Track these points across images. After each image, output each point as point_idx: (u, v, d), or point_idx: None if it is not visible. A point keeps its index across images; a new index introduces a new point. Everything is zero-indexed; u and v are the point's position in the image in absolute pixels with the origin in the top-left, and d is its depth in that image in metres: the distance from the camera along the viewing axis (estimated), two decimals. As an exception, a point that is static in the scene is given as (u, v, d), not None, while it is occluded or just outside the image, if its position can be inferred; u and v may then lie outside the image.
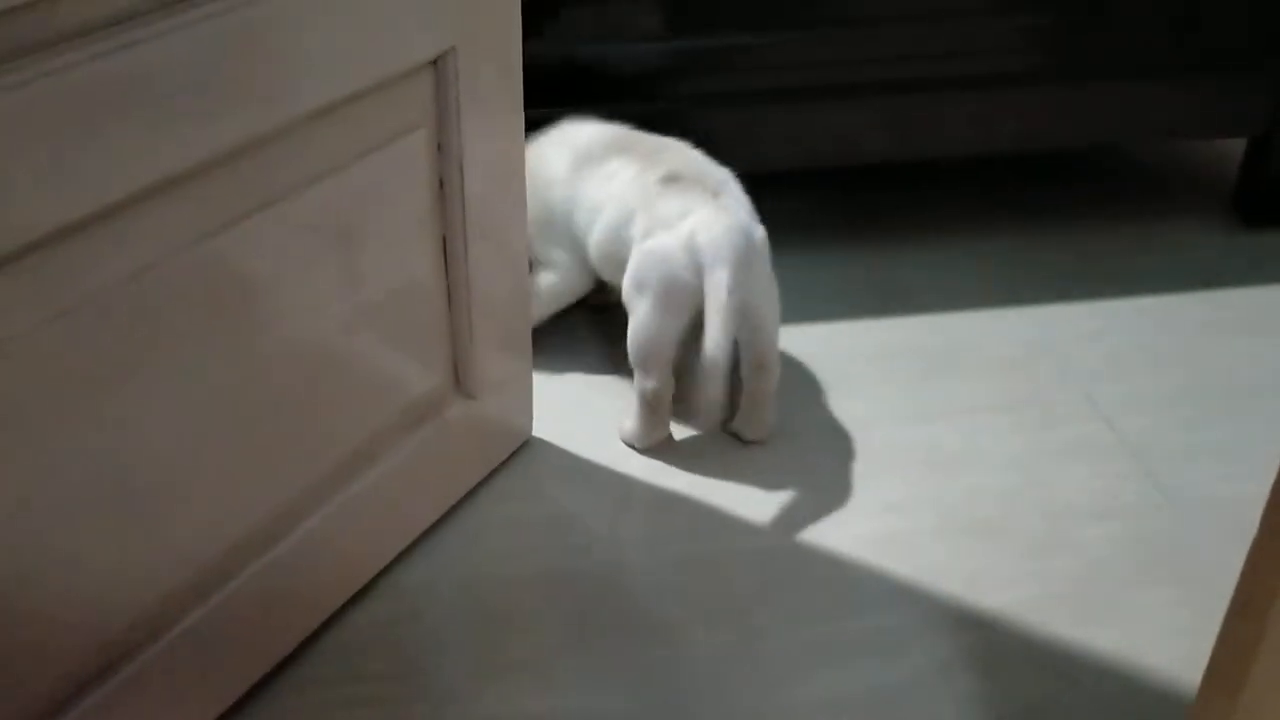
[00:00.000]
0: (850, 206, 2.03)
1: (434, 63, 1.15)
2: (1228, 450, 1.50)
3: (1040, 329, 1.74)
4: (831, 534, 1.38)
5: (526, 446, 1.52)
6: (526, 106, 1.28)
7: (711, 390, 1.35)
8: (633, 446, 1.51)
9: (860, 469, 1.48)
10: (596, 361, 1.66)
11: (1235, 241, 1.95)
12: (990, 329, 1.74)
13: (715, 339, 1.33)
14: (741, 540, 1.38)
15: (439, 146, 1.20)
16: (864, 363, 1.67)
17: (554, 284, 1.59)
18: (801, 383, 1.63)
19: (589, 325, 1.71)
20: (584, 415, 1.56)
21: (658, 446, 1.50)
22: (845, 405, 1.59)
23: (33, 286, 0.83)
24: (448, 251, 1.27)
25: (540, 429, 1.53)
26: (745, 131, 1.77)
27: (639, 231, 1.44)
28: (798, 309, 1.76)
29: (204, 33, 0.90)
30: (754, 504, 1.43)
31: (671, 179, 1.45)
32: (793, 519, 1.40)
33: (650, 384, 1.46)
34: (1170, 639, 1.23)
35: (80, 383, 0.89)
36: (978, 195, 2.07)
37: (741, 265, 1.36)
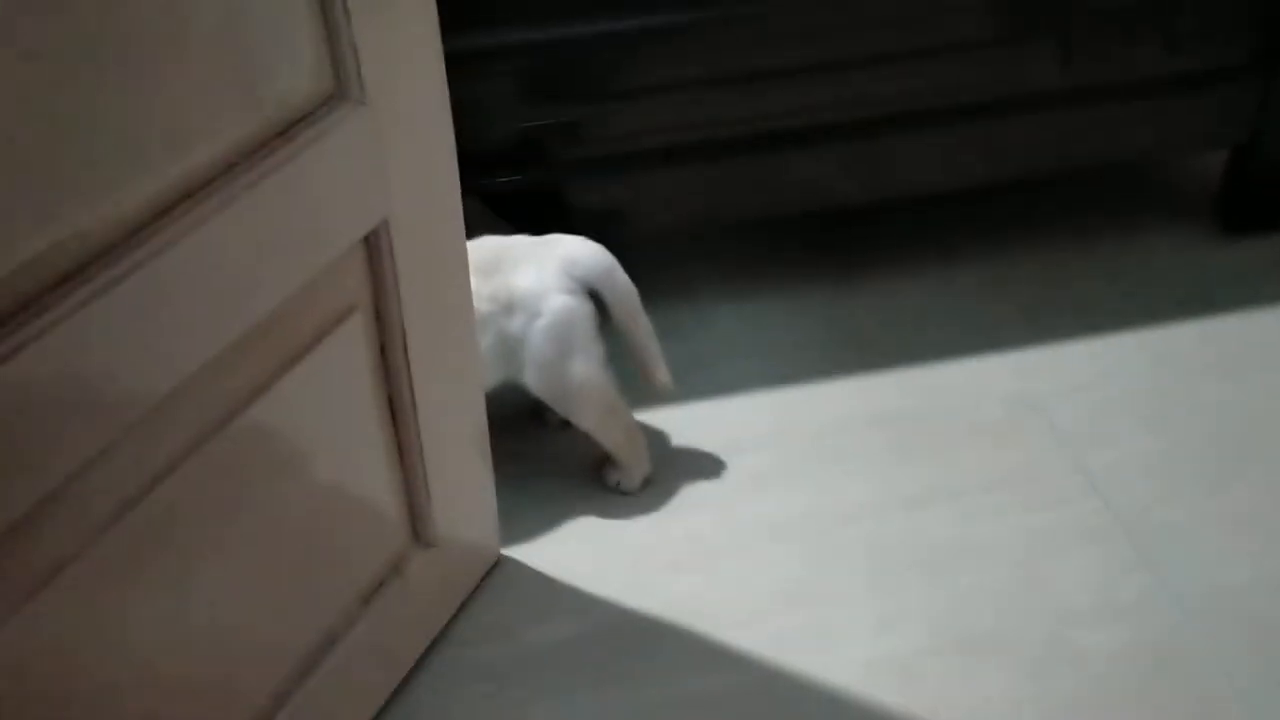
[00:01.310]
0: (799, 243, 1.94)
1: (365, 239, 1.05)
2: (1230, 522, 1.47)
3: (1022, 380, 1.69)
4: (821, 661, 1.34)
5: (497, 567, 1.47)
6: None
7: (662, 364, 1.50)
8: (633, 489, 1.54)
9: (845, 576, 1.43)
10: (559, 468, 1.60)
11: (1217, 253, 1.91)
12: (969, 384, 1.69)
13: (645, 323, 1.48)
14: (728, 674, 1.33)
15: (377, 315, 1.11)
16: (834, 435, 1.61)
17: None
18: (770, 466, 1.58)
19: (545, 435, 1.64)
20: (551, 521, 1.52)
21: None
22: (822, 492, 1.54)
23: None
24: (395, 411, 1.20)
25: (508, 544, 1.48)
26: (702, 183, 1.69)
27: (519, 322, 1.43)
28: (753, 370, 1.70)
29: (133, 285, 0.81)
30: (737, 628, 1.38)
31: (492, 267, 1.43)
32: (781, 644, 1.36)
33: (625, 417, 1.50)
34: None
35: None
36: (939, 223, 1.99)
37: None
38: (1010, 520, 1.49)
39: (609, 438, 1.51)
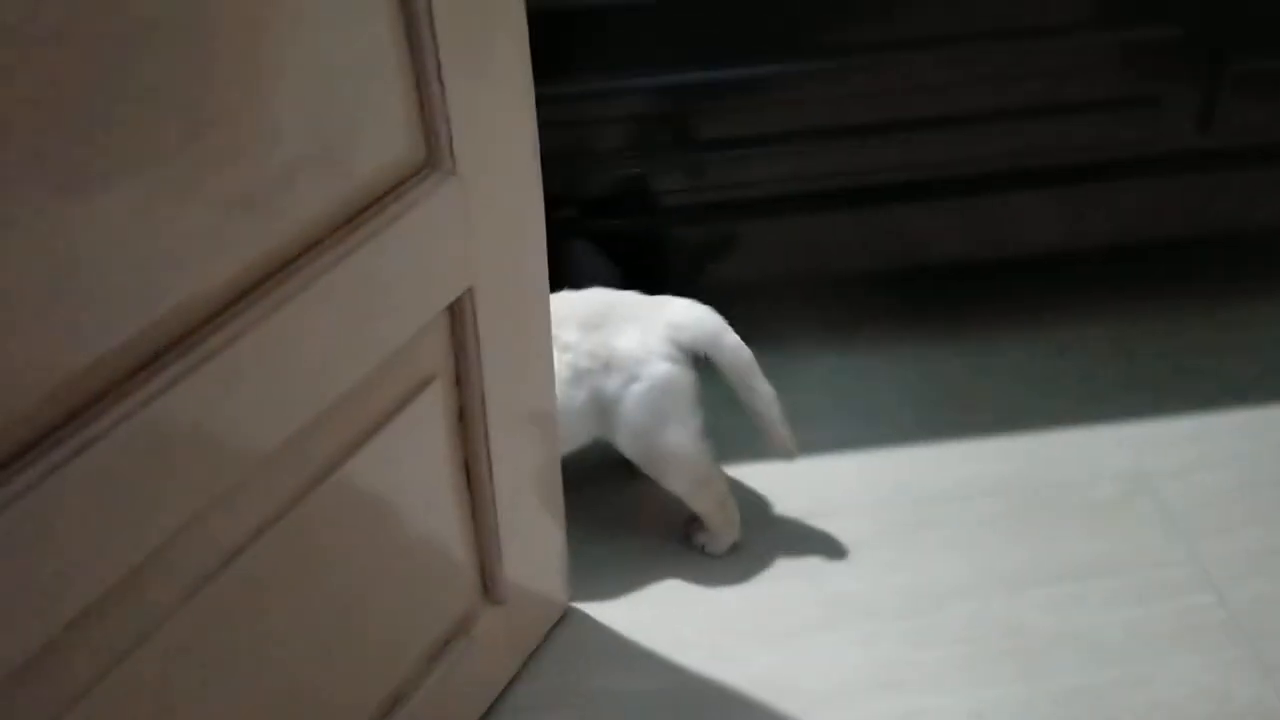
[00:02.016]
0: (901, 297, 1.88)
1: (449, 308, 1.04)
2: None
3: (1133, 455, 1.63)
4: (911, 755, 1.30)
5: (564, 620, 1.46)
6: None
7: (783, 428, 1.45)
8: (719, 553, 1.52)
9: (938, 662, 1.39)
10: (642, 523, 1.58)
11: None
12: (1076, 455, 1.63)
13: (764, 388, 1.43)
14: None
15: (457, 380, 1.11)
16: (932, 505, 1.57)
17: None
18: (864, 534, 1.54)
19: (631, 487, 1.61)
20: (629, 577, 1.50)
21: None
22: (918, 567, 1.49)
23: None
24: (471, 473, 1.19)
25: (583, 598, 1.47)
26: (807, 234, 1.67)
27: (616, 383, 1.38)
28: (849, 430, 1.66)
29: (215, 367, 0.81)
30: (821, 709, 1.35)
31: (596, 323, 1.40)
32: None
33: (718, 487, 1.48)
34: None
35: None
36: (1054, 280, 1.91)
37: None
38: (1115, 611, 1.44)
39: (699, 505, 1.48)
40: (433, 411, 1.08)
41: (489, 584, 1.29)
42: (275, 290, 0.85)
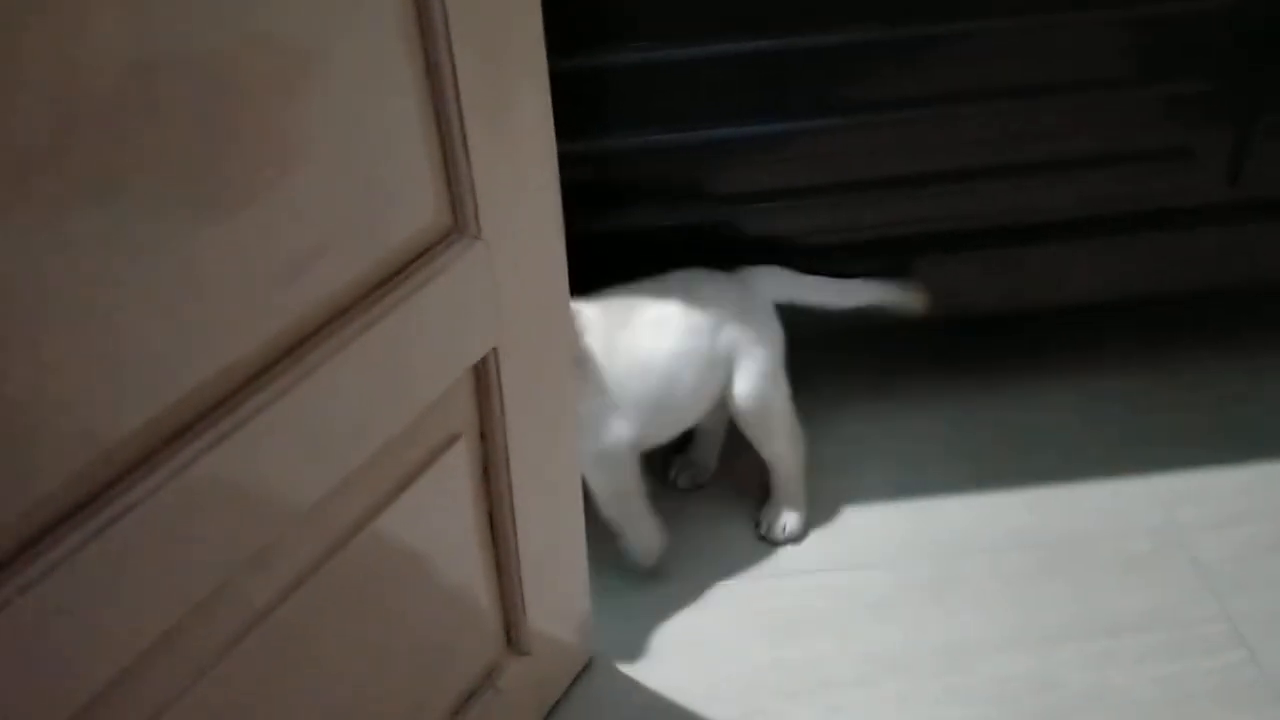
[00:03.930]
0: (931, 345, 1.94)
1: (474, 367, 1.12)
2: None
3: (1166, 511, 1.67)
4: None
5: (588, 670, 1.52)
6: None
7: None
8: (797, 533, 1.67)
9: (972, 718, 1.44)
10: (674, 573, 1.64)
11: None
12: (1109, 507, 1.68)
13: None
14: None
15: (481, 436, 1.18)
16: (960, 557, 1.62)
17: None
18: (895, 588, 1.59)
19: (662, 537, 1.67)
20: (657, 630, 1.56)
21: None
22: (949, 623, 1.55)
23: None
24: (495, 526, 1.26)
25: (609, 649, 1.53)
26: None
27: (728, 337, 1.57)
28: (879, 480, 1.72)
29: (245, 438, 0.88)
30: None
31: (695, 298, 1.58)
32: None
33: (802, 445, 1.67)
34: None
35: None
36: (1085, 329, 1.97)
37: None
38: (1147, 668, 1.48)
39: (791, 466, 1.65)
40: (458, 468, 1.15)
41: (513, 635, 1.35)
42: (307, 356, 0.92)
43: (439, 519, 1.16)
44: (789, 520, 1.66)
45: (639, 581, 1.61)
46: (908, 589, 1.59)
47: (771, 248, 1.68)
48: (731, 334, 1.56)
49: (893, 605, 1.57)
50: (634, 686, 1.48)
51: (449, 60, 0.95)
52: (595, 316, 1.49)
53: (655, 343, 1.52)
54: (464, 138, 1.00)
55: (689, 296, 1.55)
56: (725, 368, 1.57)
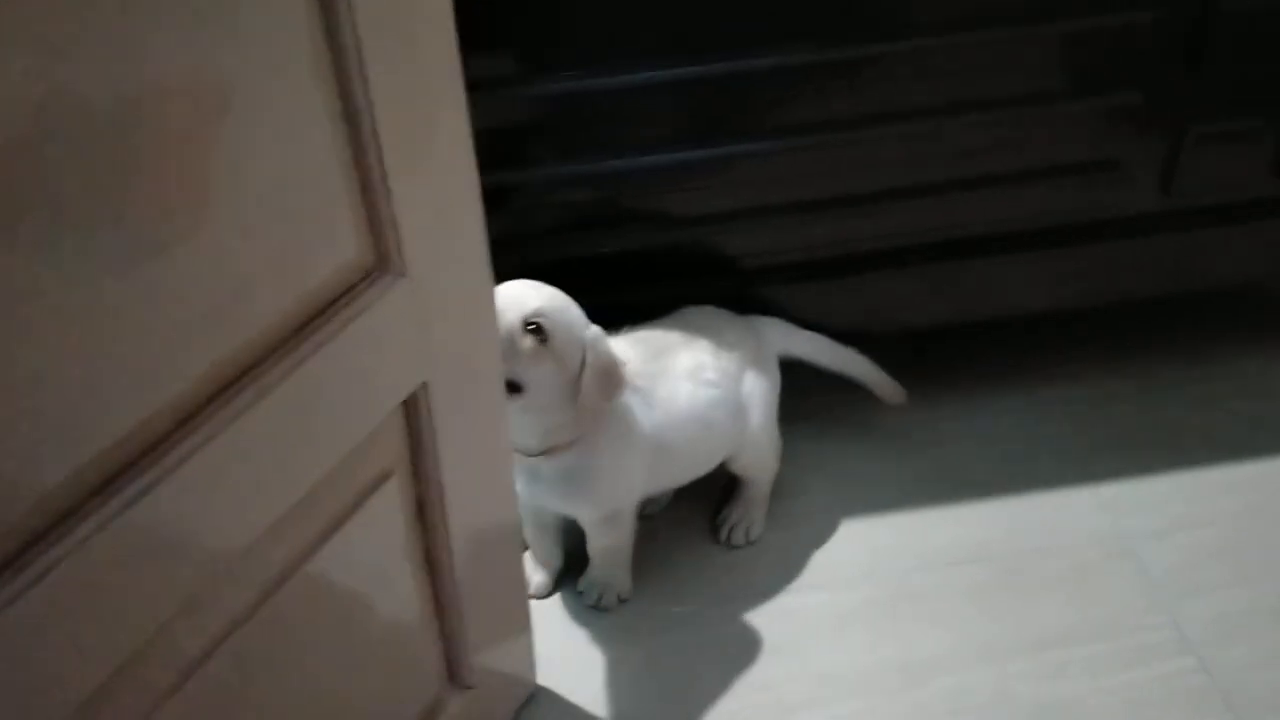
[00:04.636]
0: (877, 362, 1.96)
1: (404, 403, 1.13)
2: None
3: (1114, 517, 1.71)
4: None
5: (532, 701, 1.53)
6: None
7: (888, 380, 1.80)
8: (757, 536, 1.70)
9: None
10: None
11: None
12: (1057, 519, 1.71)
13: (850, 352, 1.79)
14: None
15: (414, 473, 1.19)
16: (913, 575, 1.65)
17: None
18: (849, 608, 1.61)
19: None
20: (606, 656, 1.57)
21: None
22: (900, 640, 1.57)
23: None
24: (432, 562, 1.27)
25: (550, 678, 1.54)
26: (788, 304, 1.76)
27: (748, 384, 1.63)
28: (829, 501, 1.75)
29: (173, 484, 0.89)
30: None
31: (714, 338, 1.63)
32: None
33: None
34: None
35: None
36: (1027, 343, 2.00)
37: None
38: (1097, 678, 1.51)
39: (769, 476, 1.72)
40: (391, 505, 1.16)
41: (455, 670, 1.36)
42: (232, 401, 0.93)
43: (374, 557, 1.17)
44: (754, 524, 1.70)
45: (586, 610, 1.62)
46: (858, 607, 1.61)
47: (719, 269, 1.70)
48: (751, 381, 1.60)
49: (847, 625, 1.59)
50: (580, 715, 1.49)
51: (365, 98, 0.96)
52: (636, 367, 1.51)
53: (694, 392, 1.54)
54: (384, 175, 1.01)
55: (717, 340, 1.58)
56: (745, 415, 1.60)
